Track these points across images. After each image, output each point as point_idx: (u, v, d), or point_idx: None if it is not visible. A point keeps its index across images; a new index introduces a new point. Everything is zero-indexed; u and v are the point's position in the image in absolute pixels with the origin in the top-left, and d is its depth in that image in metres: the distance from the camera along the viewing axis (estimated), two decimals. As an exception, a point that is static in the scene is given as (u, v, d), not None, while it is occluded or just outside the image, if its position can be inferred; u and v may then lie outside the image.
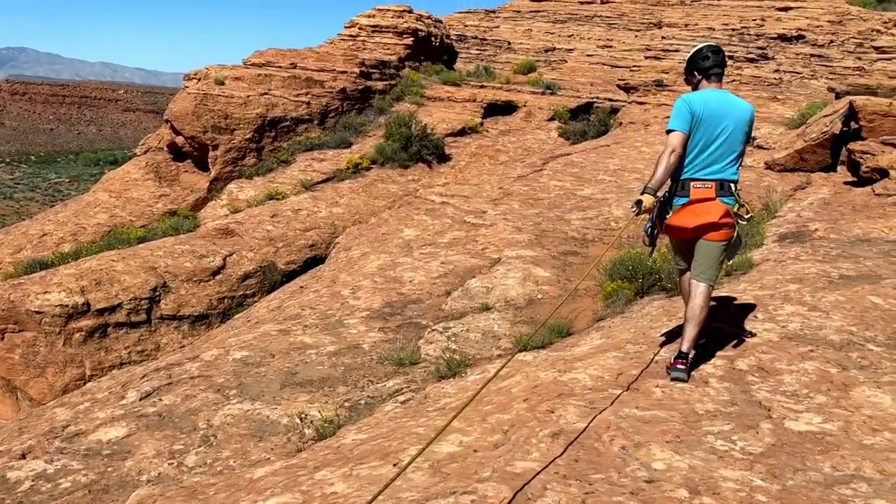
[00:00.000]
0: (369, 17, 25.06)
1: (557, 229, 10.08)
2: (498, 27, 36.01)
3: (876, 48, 19.17)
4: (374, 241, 11.04)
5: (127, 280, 11.59)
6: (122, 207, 18.19)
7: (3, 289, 11.04)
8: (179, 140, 19.36)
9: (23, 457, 5.44)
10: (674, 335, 5.29)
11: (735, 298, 5.83)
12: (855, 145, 10.26)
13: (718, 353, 4.77)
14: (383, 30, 24.61)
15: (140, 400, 6.29)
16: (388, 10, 25.24)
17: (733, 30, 24.62)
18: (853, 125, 10.88)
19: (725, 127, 4.41)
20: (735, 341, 4.91)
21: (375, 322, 7.65)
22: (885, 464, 3.40)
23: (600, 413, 4.06)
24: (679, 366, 4.43)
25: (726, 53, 4.97)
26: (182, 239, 13.70)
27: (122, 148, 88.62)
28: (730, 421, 3.88)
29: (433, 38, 25.90)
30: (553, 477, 3.38)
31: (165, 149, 19.94)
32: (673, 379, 4.44)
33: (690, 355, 4.49)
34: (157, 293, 11.69)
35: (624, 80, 21.65)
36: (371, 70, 22.60)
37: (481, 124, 21.22)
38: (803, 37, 23.96)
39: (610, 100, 22.34)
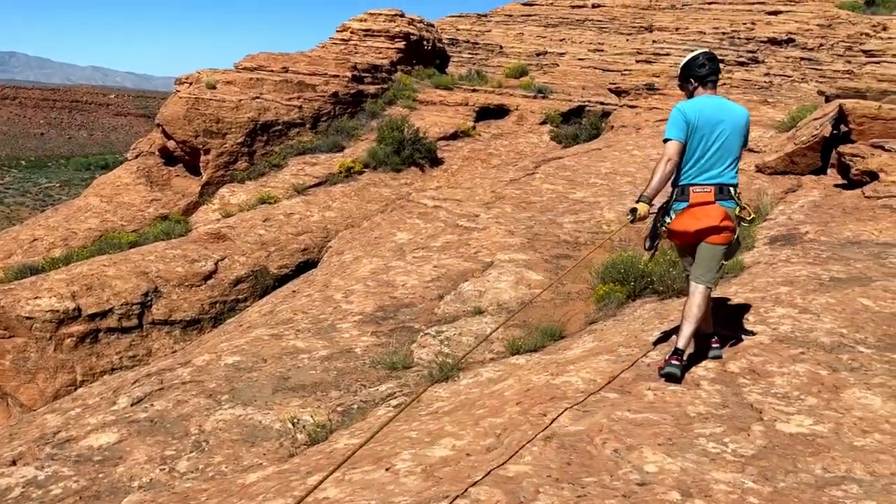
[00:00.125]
0: (361, 21, 25.08)
1: (550, 233, 10.10)
2: (490, 31, 36.06)
3: (865, 52, 19.25)
4: (367, 244, 11.03)
5: (118, 285, 11.54)
6: (114, 212, 18.12)
7: (-6, 294, 10.97)
8: (171, 144, 19.31)
9: (13, 463, 5.40)
10: (666, 338, 5.31)
11: (726, 301, 5.85)
12: (845, 148, 10.32)
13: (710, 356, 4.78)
14: (375, 34, 24.64)
15: (131, 405, 6.26)
16: (380, 14, 25.27)
17: (724, 34, 24.73)
18: (843, 128, 10.94)
19: (721, 132, 4.49)
20: (727, 344, 4.93)
21: (368, 326, 7.64)
22: (875, 465, 3.42)
23: (593, 416, 4.06)
24: (674, 361, 4.45)
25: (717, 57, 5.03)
26: (174, 243, 13.65)
27: (114, 152, 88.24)
28: (721, 423, 3.89)
29: (425, 42, 25.93)
30: (546, 480, 3.39)
31: (157, 153, 19.89)
32: (665, 374, 4.45)
33: (686, 353, 4.51)
34: (149, 298, 11.65)
35: (615, 83, 21.73)
36: (363, 74, 22.60)
37: (473, 128, 21.26)
38: (793, 40, 24.10)
39: (601, 103, 22.43)
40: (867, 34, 23.45)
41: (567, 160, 15.13)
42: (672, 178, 4.58)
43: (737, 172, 4.59)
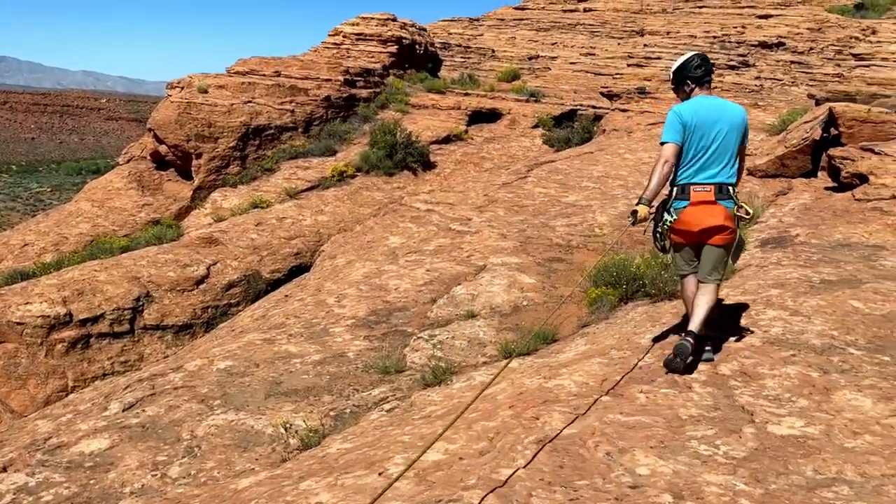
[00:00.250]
0: (353, 25, 25.09)
1: (542, 236, 10.11)
2: (482, 35, 36.16)
3: (854, 55, 19.41)
4: (360, 248, 11.02)
5: (110, 290, 11.49)
6: (105, 217, 18.05)
7: (-16, 300, 10.91)
8: (162, 149, 19.25)
9: (4, 470, 5.37)
10: (658, 340, 5.33)
11: (718, 303, 5.86)
12: (835, 151, 10.37)
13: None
14: (367, 38, 24.65)
15: (123, 411, 6.23)
16: (373, 18, 25.29)
17: (714, 37, 24.87)
18: (833, 131, 11.00)
19: (719, 132, 4.56)
20: (718, 346, 4.95)
21: (361, 330, 7.63)
22: (866, 467, 3.43)
23: (585, 419, 4.07)
24: (688, 338, 4.48)
25: None
26: (165, 248, 13.61)
27: (105, 157, 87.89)
28: (713, 426, 3.91)
29: (417, 46, 25.96)
30: (538, 483, 3.39)
31: (148, 158, 19.82)
32: (676, 350, 4.47)
33: (700, 334, 4.55)
34: (141, 303, 11.60)
35: (607, 87, 21.81)
36: (355, 78, 22.60)
37: (466, 132, 21.28)
38: (783, 44, 24.26)
39: (593, 107, 22.49)
40: (857, 38, 23.63)
41: (559, 164, 15.16)
42: (669, 180, 4.65)
43: (735, 171, 4.64)
